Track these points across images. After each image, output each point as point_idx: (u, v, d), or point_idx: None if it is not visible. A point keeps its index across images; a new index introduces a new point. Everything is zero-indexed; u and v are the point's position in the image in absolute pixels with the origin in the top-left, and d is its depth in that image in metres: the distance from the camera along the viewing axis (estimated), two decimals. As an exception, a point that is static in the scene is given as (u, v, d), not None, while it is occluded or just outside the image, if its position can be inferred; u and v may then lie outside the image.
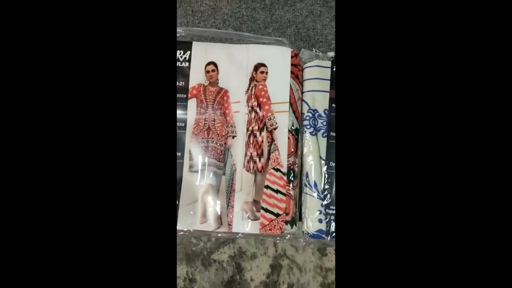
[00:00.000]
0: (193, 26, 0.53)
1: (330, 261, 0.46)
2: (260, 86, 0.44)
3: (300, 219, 0.43)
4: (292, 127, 0.44)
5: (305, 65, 0.46)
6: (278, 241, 0.46)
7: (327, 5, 0.54)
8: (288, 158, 0.43)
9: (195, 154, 0.43)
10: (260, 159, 0.43)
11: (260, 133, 0.43)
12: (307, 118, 0.44)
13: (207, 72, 0.45)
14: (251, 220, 0.42)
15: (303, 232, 0.42)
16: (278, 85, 0.44)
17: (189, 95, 0.44)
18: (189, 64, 0.45)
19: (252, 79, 0.45)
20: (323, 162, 0.43)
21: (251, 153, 0.43)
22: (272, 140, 0.43)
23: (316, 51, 0.47)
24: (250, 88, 0.45)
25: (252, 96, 0.44)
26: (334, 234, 0.42)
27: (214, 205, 0.42)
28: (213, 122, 0.44)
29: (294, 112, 0.44)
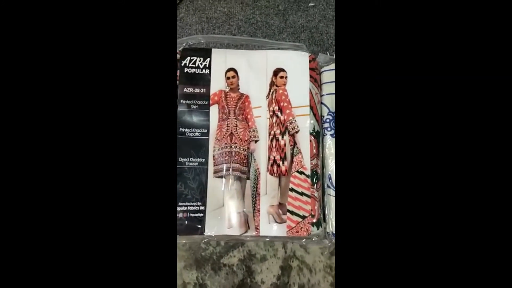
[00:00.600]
0: (208, 33, 0.53)
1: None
2: (281, 91, 0.45)
3: (324, 220, 0.44)
4: (313, 130, 0.44)
5: (323, 69, 0.47)
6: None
7: (338, 9, 0.55)
8: (311, 160, 0.43)
9: (219, 160, 0.43)
10: (283, 163, 0.43)
11: (283, 137, 0.44)
12: (327, 120, 0.45)
13: (228, 78, 0.46)
14: (278, 223, 0.42)
15: (327, 233, 0.43)
16: (298, 89, 0.45)
17: (210, 102, 0.45)
18: (210, 71, 0.45)
19: (272, 84, 0.46)
20: (344, 163, 0.44)
21: (274, 157, 0.44)
22: (295, 143, 0.44)
23: (331, 55, 0.48)
24: (271, 93, 0.45)
25: (273, 100, 0.45)
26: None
27: (240, 209, 0.42)
28: (235, 127, 0.44)
29: (314, 115, 0.45)
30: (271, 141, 0.44)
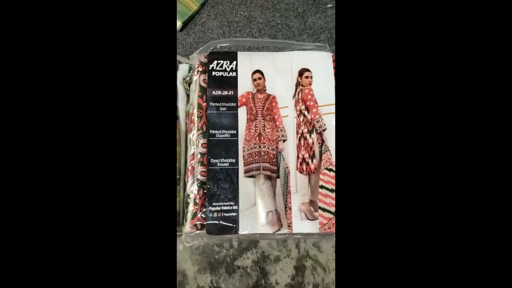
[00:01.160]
0: (230, 37, 0.55)
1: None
2: (306, 90, 0.46)
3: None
4: (340, 128, 0.45)
5: (345, 68, 0.48)
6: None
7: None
8: (339, 158, 0.44)
9: (249, 160, 0.44)
10: (312, 161, 0.44)
11: (310, 135, 0.45)
12: (353, 118, 0.46)
13: (254, 80, 0.47)
14: (310, 220, 0.43)
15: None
16: (323, 88, 0.46)
17: (239, 103, 0.46)
18: (236, 74, 0.47)
19: (297, 84, 0.47)
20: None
21: (303, 155, 0.45)
22: (322, 141, 0.45)
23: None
24: (297, 92, 0.46)
25: (300, 100, 0.46)
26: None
27: (272, 208, 0.43)
28: (263, 127, 0.45)
29: (340, 113, 0.46)
30: (299, 140, 0.45)
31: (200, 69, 0.47)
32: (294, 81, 0.47)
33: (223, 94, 0.46)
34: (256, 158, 0.45)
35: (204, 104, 0.46)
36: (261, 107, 0.46)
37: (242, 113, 0.46)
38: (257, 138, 0.45)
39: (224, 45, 0.48)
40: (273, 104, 0.46)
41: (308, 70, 0.47)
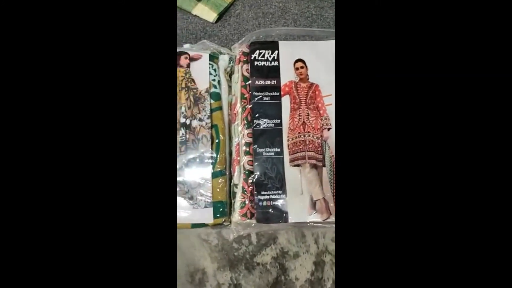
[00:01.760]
0: (265, 27, 0.54)
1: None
2: (350, 79, 0.46)
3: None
4: (384, 116, 0.45)
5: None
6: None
7: None
8: (385, 145, 0.44)
9: (294, 149, 0.44)
10: (358, 149, 0.44)
11: (355, 124, 0.45)
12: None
13: (296, 69, 0.46)
14: (359, 207, 0.43)
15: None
16: (366, 76, 0.46)
17: (282, 93, 0.46)
18: (278, 63, 0.46)
19: (340, 72, 0.46)
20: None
21: (348, 144, 0.44)
22: (367, 129, 0.44)
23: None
24: (340, 81, 0.46)
25: (343, 88, 0.46)
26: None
27: (320, 196, 0.43)
28: (307, 116, 0.45)
29: (384, 101, 0.45)
30: (344, 128, 0.45)
31: (242, 59, 0.47)
32: (337, 69, 0.47)
33: (266, 83, 0.46)
34: (301, 147, 0.44)
35: (248, 94, 0.46)
36: (305, 96, 0.46)
37: (285, 102, 0.46)
38: (301, 127, 0.45)
39: (261, 35, 0.48)
40: (317, 92, 0.46)
41: (350, 58, 0.46)
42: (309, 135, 0.45)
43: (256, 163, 0.43)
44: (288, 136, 0.45)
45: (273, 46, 0.47)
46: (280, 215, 0.42)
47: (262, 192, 0.42)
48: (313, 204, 0.43)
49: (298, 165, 0.44)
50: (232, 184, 0.45)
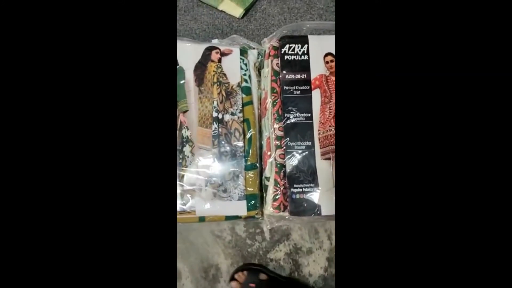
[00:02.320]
0: (291, 22, 0.55)
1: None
2: (380, 72, 0.46)
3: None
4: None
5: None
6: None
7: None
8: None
9: (325, 142, 0.44)
10: (389, 142, 0.44)
11: (386, 117, 0.45)
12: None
13: (327, 62, 0.47)
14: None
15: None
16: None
17: (312, 86, 0.46)
18: (308, 57, 0.47)
19: (370, 66, 0.46)
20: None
21: (379, 137, 0.44)
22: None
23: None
24: (370, 74, 0.46)
25: (373, 82, 0.46)
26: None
27: (352, 189, 0.43)
28: (338, 110, 0.45)
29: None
30: (375, 121, 0.45)
31: (272, 53, 0.47)
32: (367, 63, 0.47)
33: (296, 77, 0.46)
34: (332, 140, 0.45)
35: (278, 88, 0.46)
36: (335, 90, 0.46)
37: (316, 96, 0.46)
38: (332, 120, 0.45)
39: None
40: (347, 86, 0.46)
41: (380, 52, 0.47)
42: (339, 129, 0.45)
43: (288, 156, 0.44)
44: (319, 130, 0.45)
45: (303, 40, 0.47)
46: (313, 208, 0.42)
47: (295, 185, 0.43)
48: (345, 197, 0.43)
49: (329, 159, 0.44)
50: (263, 177, 0.45)
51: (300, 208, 0.42)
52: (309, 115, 0.45)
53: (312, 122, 0.45)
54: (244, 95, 0.46)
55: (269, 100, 0.46)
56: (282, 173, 0.44)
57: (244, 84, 0.47)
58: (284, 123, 0.45)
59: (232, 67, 0.47)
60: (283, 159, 0.44)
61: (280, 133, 0.45)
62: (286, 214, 0.43)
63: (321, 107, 0.45)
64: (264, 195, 0.45)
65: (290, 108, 0.45)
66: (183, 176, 0.43)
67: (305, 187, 0.43)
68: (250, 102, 0.47)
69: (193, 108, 0.45)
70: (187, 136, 0.44)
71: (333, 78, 0.46)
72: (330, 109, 0.45)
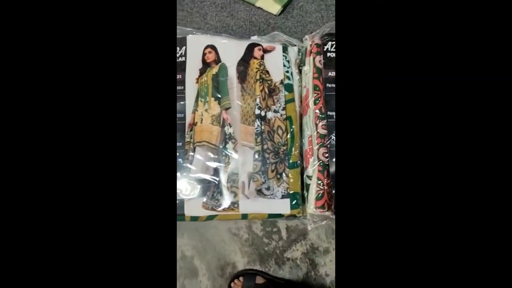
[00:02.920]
0: (328, 20, 0.54)
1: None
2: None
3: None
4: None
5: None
6: None
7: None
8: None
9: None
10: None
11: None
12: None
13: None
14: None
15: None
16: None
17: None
18: (351, 55, 0.46)
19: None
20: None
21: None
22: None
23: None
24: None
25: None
26: None
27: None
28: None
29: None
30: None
31: (315, 50, 0.47)
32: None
33: (339, 75, 0.46)
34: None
35: (321, 85, 0.46)
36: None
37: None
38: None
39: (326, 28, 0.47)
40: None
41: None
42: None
43: (332, 155, 0.43)
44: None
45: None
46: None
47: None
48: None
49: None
50: (304, 176, 0.45)
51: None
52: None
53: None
54: (287, 93, 0.46)
55: (311, 98, 0.46)
56: (325, 172, 0.43)
57: (286, 81, 0.46)
58: (327, 121, 0.44)
59: (275, 64, 0.46)
60: (327, 157, 0.44)
61: (324, 131, 0.44)
62: (329, 213, 0.43)
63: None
64: (306, 194, 0.45)
65: (333, 105, 0.45)
66: (225, 173, 0.43)
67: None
68: (292, 100, 0.46)
69: (235, 105, 0.45)
70: (230, 133, 0.44)
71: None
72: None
